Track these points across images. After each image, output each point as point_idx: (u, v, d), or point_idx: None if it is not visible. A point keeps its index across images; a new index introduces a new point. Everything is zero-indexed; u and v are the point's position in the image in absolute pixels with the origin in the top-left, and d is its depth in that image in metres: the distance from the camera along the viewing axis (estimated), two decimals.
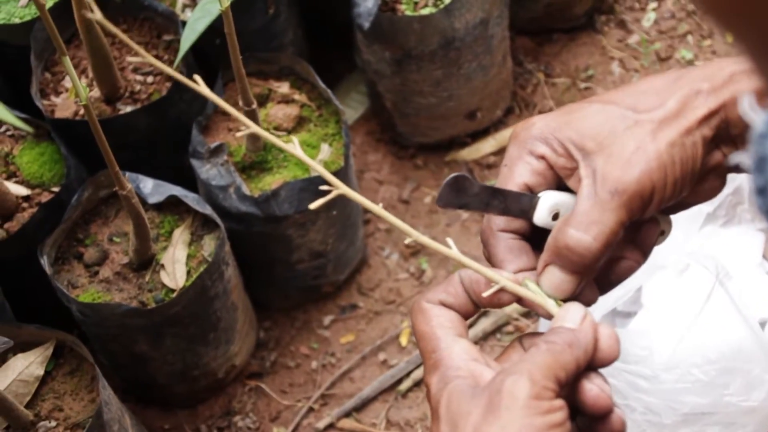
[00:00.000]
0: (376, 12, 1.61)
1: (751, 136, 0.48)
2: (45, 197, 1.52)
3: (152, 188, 1.50)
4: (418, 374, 1.67)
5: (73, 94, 1.63)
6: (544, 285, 0.77)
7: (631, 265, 0.82)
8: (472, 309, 0.77)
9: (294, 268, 1.64)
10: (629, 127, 0.77)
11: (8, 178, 1.54)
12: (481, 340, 1.69)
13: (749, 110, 0.50)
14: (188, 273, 1.45)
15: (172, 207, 1.51)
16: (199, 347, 1.54)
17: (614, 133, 0.77)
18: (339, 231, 1.63)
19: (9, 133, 1.59)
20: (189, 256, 1.47)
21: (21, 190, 1.53)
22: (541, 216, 0.79)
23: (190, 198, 1.48)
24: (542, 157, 0.80)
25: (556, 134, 0.79)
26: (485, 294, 0.75)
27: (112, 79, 1.57)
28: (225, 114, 1.61)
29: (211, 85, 1.67)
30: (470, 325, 1.70)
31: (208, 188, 1.53)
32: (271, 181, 1.53)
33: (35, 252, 1.44)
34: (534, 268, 0.79)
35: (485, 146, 1.89)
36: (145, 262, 1.46)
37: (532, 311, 1.67)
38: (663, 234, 0.84)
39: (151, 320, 1.43)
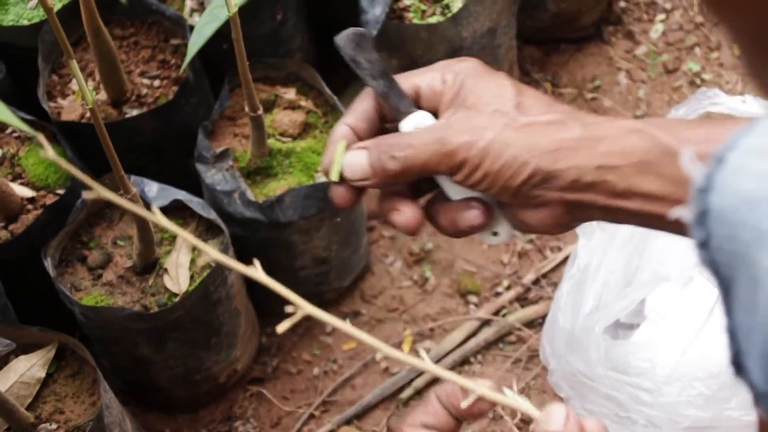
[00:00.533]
0: (384, 20, 1.61)
1: (692, 191, 0.49)
2: (50, 199, 1.52)
3: (157, 192, 1.50)
4: (419, 382, 1.66)
5: (80, 96, 1.63)
6: (347, 156, 0.87)
7: (442, 230, 0.90)
8: (455, 424, 0.79)
9: (297, 275, 1.64)
10: (506, 115, 0.84)
11: (13, 180, 1.54)
12: (483, 350, 1.69)
13: (689, 164, 0.51)
14: (191, 278, 1.45)
15: (176, 211, 1.51)
16: (201, 352, 1.54)
17: (489, 107, 0.84)
18: (343, 238, 1.63)
19: (15, 134, 1.59)
20: (192, 261, 1.47)
21: (26, 192, 1.53)
22: (405, 126, 0.87)
23: (194, 202, 1.48)
24: (444, 82, 0.88)
25: (465, 79, 0.86)
26: (463, 405, 0.76)
27: (119, 83, 1.57)
28: (231, 119, 1.61)
29: (217, 89, 1.67)
30: (472, 335, 1.70)
31: (213, 193, 1.53)
32: (275, 187, 1.53)
33: (39, 254, 1.45)
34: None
35: None
36: (148, 265, 1.46)
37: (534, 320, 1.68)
38: (496, 235, 0.90)
39: (153, 324, 1.43)
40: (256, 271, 0.74)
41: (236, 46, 1.33)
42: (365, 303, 1.77)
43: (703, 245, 0.49)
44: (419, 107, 0.88)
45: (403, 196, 0.90)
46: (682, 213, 0.51)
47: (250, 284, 1.63)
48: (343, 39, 0.88)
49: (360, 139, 0.90)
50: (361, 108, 0.90)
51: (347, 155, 0.88)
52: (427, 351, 1.69)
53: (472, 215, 0.87)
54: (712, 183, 0.49)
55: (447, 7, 1.63)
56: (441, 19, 1.63)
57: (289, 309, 0.72)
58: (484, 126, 0.83)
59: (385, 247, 1.82)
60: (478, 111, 0.84)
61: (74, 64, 1.15)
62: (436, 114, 0.88)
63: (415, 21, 1.63)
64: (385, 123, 0.91)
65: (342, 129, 0.90)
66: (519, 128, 0.83)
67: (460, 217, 0.88)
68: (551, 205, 0.84)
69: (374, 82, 0.87)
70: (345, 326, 0.73)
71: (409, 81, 0.89)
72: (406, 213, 0.89)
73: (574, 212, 0.84)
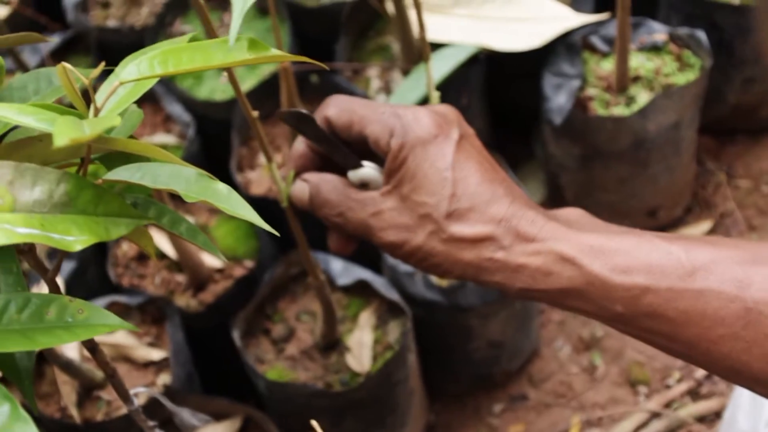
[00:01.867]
0: (569, 109, 1.62)
1: None
2: (238, 271, 1.57)
3: (341, 270, 1.53)
4: None
5: (268, 170, 1.68)
6: (294, 184, 1.01)
7: None
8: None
9: (470, 356, 1.65)
10: (435, 222, 0.86)
11: (203, 250, 1.59)
12: None
13: None
14: (373, 357, 1.48)
15: (359, 290, 1.53)
16: (376, 430, 1.55)
17: (421, 207, 0.87)
18: (518, 323, 1.64)
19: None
20: (374, 341, 1.49)
21: (215, 262, 1.58)
22: (351, 176, 0.95)
23: (378, 282, 1.50)
24: (389, 147, 0.90)
25: (409, 153, 0.88)
26: None
27: None
28: None
29: None
30: (642, 426, 1.68)
31: (395, 273, 1.55)
32: None
33: (225, 324, 1.49)
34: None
35: None
36: (331, 343, 1.49)
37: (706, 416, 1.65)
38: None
39: (335, 402, 1.45)
40: None
41: None
42: (533, 387, 1.77)
43: None
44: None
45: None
46: None
47: (423, 363, 1.65)
48: (286, 117, 0.95)
49: (316, 155, 0.99)
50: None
51: (295, 183, 1.00)
52: None
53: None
54: None
55: (632, 98, 1.64)
56: (626, 110, 1.63)
57: None
58: (412, 229, 0.87)
59: (554, 332, 1.82)
60: (410, 206, 0.87)
61: (273, 168, 1.18)
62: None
63: (600, 112, 1.64)
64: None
65: (300, 147, 0.99)
66: (445, 240, 0.85)
67: None
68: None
69: (320, 145, 0.96)
70: None
71: (358, 127, 0.93)
72: (335, 243, 1.02)
73: None
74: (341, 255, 1.01)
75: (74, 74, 0.82)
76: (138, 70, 0.82)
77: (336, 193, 0.95)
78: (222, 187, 0.85)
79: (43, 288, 1.48)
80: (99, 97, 0.84)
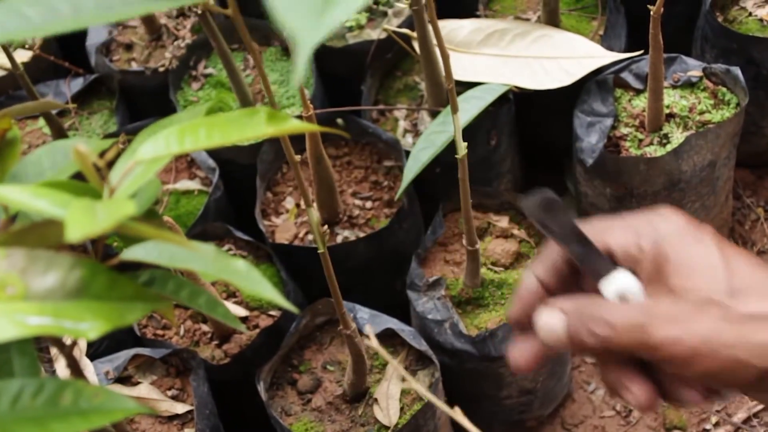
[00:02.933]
0: (601, 150, 1.58)
1: None
2: (263, 320, 1.54)
3: (369, 319, 1.50)
4: None
5: (293, 215, 1.65)
6: (542, 316, 0.76)
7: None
8: None
9: (501, 404, 1.62)
10: (718, 305, 0.73)
11: (227, 298, 1.57)
12: None
13: None
14: (401, 409, 1.44)
15: (387, 339, 1.50)
16: None
17: (697, 293, 0.74)
18: (550, 369, 1.60)
19: (231, 252, 1.62)
20: (403, 392, 1.46)
21: (240, 311, 1.55)
22: (607, 292, 0.77)
23: (406, 332, 1.47)
24: (640, 250, 0.77)
25: (665, 248, 0.76)
26: None
27: (333, 205, 1.59)
28: (443, 244, 1.60)
29: (427, 211, 1.68)
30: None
31: (423, 321, 1.52)
32: (487, 319, 1.51)
33: (251, 375, 1.46)
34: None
35: None
36: (358, 394, 1.46)
37: None
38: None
39: None
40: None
41: (461, 187, 1.33)
42: (566, 431, 1.73)
43: None
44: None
45: (628, 369, 0.78)
46: None
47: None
48: (529, 206, 0.82)
49: (549, 292, 0.81)
50: (551, 259, 0.81)
51: (543, 315, 0.78)
52: None
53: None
54: None
55: (665, 137, 1.60)
56: (659, 149, 1.59)
57: None
58: (694, 319, 0.73)
59: (588, 374, 1.78)
60: (684, 296, 0.75)
61: (311, 212, 1.15)
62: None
63: (633, 150, 1.60)
64: (576, 274, 0.82)
65: (531, 282, 0.81)
66: (736, 322, 0.72)
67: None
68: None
69: (567, 246, 0.79)
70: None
71: (599, 239, 0.79)
72: (636, 392, 0.77)
73: None
74: (645, 407, 0.81)
75: (88, 153, 0.79)
76: (154, 149, 0.79)
77: (599, 308, 0.77)
78: (241, 265, 0.82)
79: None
80: (114, 175, 0.81)
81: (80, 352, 1.40)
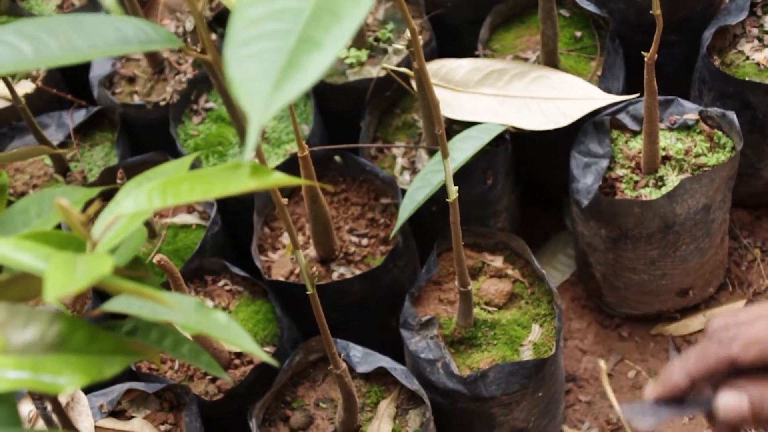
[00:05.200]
0: (596, 191, 1.59)
1: None
2: (257, 357, 1.55)
3: (361, 357, 1.51)
4: None
5: (290, 251, 1.66)
6: (721, 396, 0.88)
7: None
8: None
9: None
10: None
11: None
12: None
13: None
14: None
15: (379, 377, 1.51)
16: None
17: None
18: (542, 409, 1.60)
19: (227, 288, 1.63)
20: (393, 431, 1.47)
21: (234, 347, 1.56)
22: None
23: (398, 371, 1.48)
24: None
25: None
26: None
27: (329, 243, 1.60)
28: (437, 283, 1.61)
29: (426, 252, 1.68)
30: None
31: (416, 360, 1.53)
32: (479, 359, 1.52)
33: (243, 411, 1.47)
34: None
35: (694, 323, 1.83)
36: None
37: None
38: None
39: None
40: None
41: (453, 230, 1.34)
42: None
43: None
44: None
45: None
46: None
47: None
48: (634, 417, 0.91)
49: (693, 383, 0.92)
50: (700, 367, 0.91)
51: (726, 396, 0.88)
52: None
53: None
54: None
55: (661, 179, 1.61)
56: (654, 191, 1.60)
57: None
58: None
59: (581, 412, 1.78)
60: None
61: (300, 254, 1.16)
62: None
63: (628, 192, 1.61)
64: None
65: (679, 376, 0.91)
66: None
67: None
68: None
69: (677, 412, 0.92)
70: None
71: (725, 350, 0.89)
72: None
73: None
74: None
75: (70, 207, 0.81)
76: (135, 203, 0.80)
77: None
78: (221, 317, 0.84)
79: None
80: (97, 229, 0.82)
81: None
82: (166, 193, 0.81)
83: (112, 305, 0.83)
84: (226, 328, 0.83)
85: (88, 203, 1.43)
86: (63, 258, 0.75)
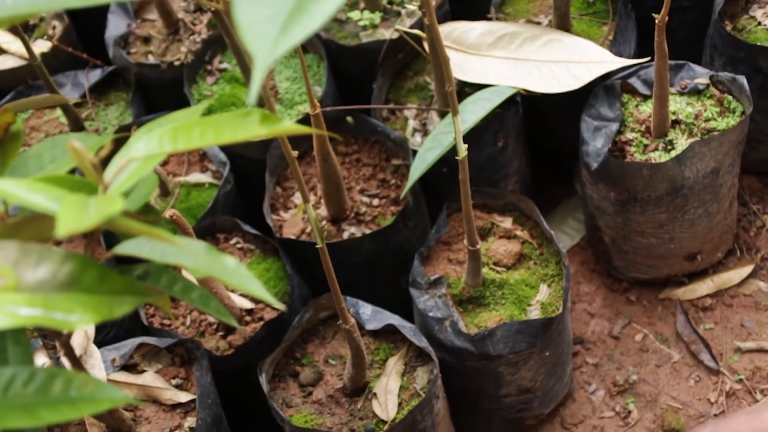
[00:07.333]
0: (606, 154, 1.60)
1: None
2: (268, 313, 1.57)
3: (371, 314, 1.52)
4: None
5: (301, 210, 1.68)
6: None
7: None
8: None
9: (501, 402, 1.64)
10: None
11: (234, 290, 1.60)
12: None
13: None
14: (400, 404, 1.47)
15: (388, 335, 1.53)
16: None
17: None
18: (549, 369, 1.62)
19: (239, 245, 1.65)
20: (401, 387, 1.49)
21: (245, 303, 1.58)
22: None
23: (407, 329, 1.50)
24: None
25: None
26: None
27: (340, 202, 1.62)
28: (446, 243, 1.63)
29: (432, 209, 1.70)
30: None
31: (424, 318, 1.54)
32: (487, 318, 1.54)
33: (254, 367, 1.49)
34: None
35: (702, 287, 1.84)
36: (358, 388, 1.49)
37: None
38: None
39: None
40: None
41: (462, 188, 1.35)
42: (565, 431, 1.75)
43: None
44: None
45: None
46: None
47: (453, 407, 1.64)
48: None
49: None
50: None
51: None
52: None
53: None
54: None
55: (670, 143, 1.61)
56: (663, 155, 1.61)
57: None
58: None
59: (588, 375, 1.80)
60: None
61: (309, 208, 1.18)
62: None
63: (637, 156, 1.62)
64: None
65: None
66: None
67: None
68: None
69: None
70: None
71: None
72: None
73: None
74: None
75: (83, 150, 0.82)
76: (147, 147, 0.82)
77: None
78: (230, 261, 0.85)
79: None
80: (109, 172, 0.84)
81: (88, 339, 1.44)
82: (177, 137, 0.82)
83: (123, 248, 0.85)
84: (235, 271, 0.85)
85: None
86: (75, 199, 0.77)
